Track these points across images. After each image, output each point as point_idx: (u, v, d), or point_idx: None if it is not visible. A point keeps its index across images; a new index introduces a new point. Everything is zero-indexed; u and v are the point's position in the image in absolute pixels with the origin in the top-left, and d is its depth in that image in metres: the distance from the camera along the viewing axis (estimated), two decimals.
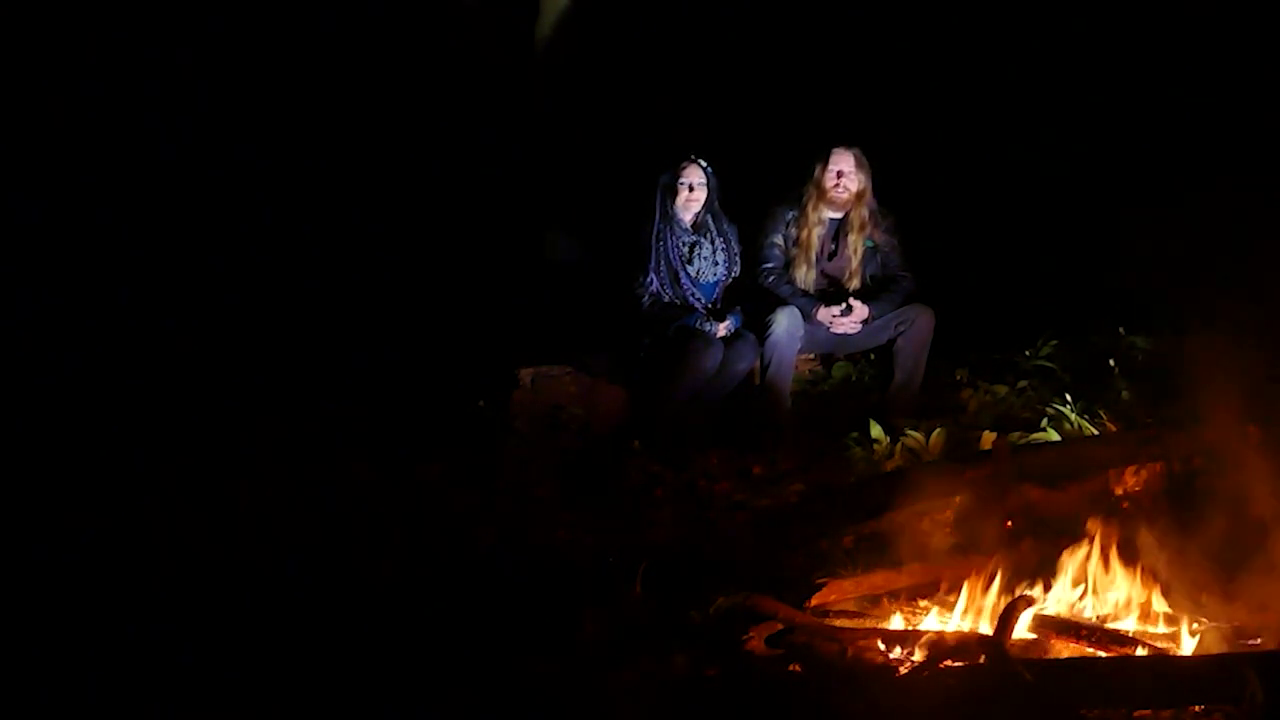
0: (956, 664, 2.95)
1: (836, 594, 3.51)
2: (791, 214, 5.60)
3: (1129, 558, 3.42)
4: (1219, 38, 5.96)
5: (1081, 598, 3.38)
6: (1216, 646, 3.14)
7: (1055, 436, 4.54)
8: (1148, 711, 2.81)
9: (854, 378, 5.73)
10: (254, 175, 6.20)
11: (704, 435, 5.18)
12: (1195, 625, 3.22)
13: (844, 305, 5.44)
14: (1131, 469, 4.13)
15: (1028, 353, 5.53)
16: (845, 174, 5.52)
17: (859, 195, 5.54)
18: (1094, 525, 3.46)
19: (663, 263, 5.42)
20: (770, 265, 5.57)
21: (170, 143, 6.12)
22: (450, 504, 4.40)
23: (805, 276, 5.57)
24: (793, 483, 4.66)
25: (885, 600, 3.54)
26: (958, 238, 6.13)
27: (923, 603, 3.48)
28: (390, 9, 6.49)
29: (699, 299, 5.44)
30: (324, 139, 6.30)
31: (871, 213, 5.58)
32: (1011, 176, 6.34)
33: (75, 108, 6.06)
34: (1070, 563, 3.42)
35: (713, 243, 5.50)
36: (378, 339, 5.78)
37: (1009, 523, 3.76)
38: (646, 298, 5.41)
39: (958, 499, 4.03)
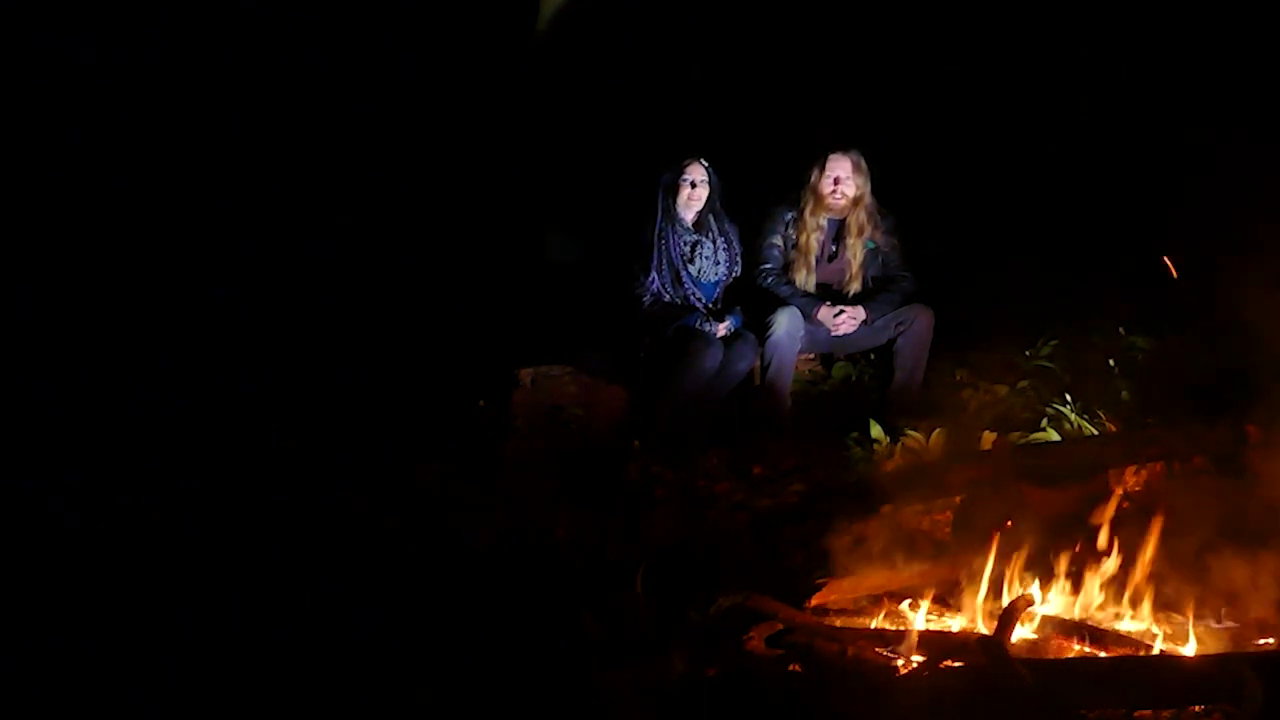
0: (956, 664, 2.95)
1: (836, 594, 3.51)
2: (790, 215, 5.58)
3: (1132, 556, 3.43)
4: (1218, 36, 5.96)
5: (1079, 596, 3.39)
6: (1216, 647, 3.15)
7: (1055, 436, 4.55)
8: (1148, 711, 2.82)
9: (854, 378, 5.72)
10: (254, 175, 6.19)
11: (704, 435, 5.17)
12: (1195, 625, 3.22)
13: (837, 310, 5.44)
14: (1131, 469, 4.13)
15: (1028, 353, 5.52)
16: (843, 179, 5.48)
17: (857, 200, 5.50)
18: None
19: (664, 262, 5.42)
20: (769, 266, 5.56)
21: (172, 143, 6.12)
22: (450, 504, 4.40)
23: (806, 280, 5.56)
24: (793, 483, 4.65)
25: (885, 600, 3.54)
26: (958, 238, 6.12)
27: (922, 602, 3.48)
28: (390, 9, 6.49)
29: (700, 299, 5.44)
30: (324, 139, 6.30)
31: (871, 214, 5.55)
32: (1012, 176, 6.33)
33: (75, 107, 6.05)
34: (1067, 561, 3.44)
35: (714, 242, 5.50)
36: (378, 339, 5.78)
37: (1009, 523, 3.75)
38: (647, 297, 5.40)
39: (958, 499, 4.03)
